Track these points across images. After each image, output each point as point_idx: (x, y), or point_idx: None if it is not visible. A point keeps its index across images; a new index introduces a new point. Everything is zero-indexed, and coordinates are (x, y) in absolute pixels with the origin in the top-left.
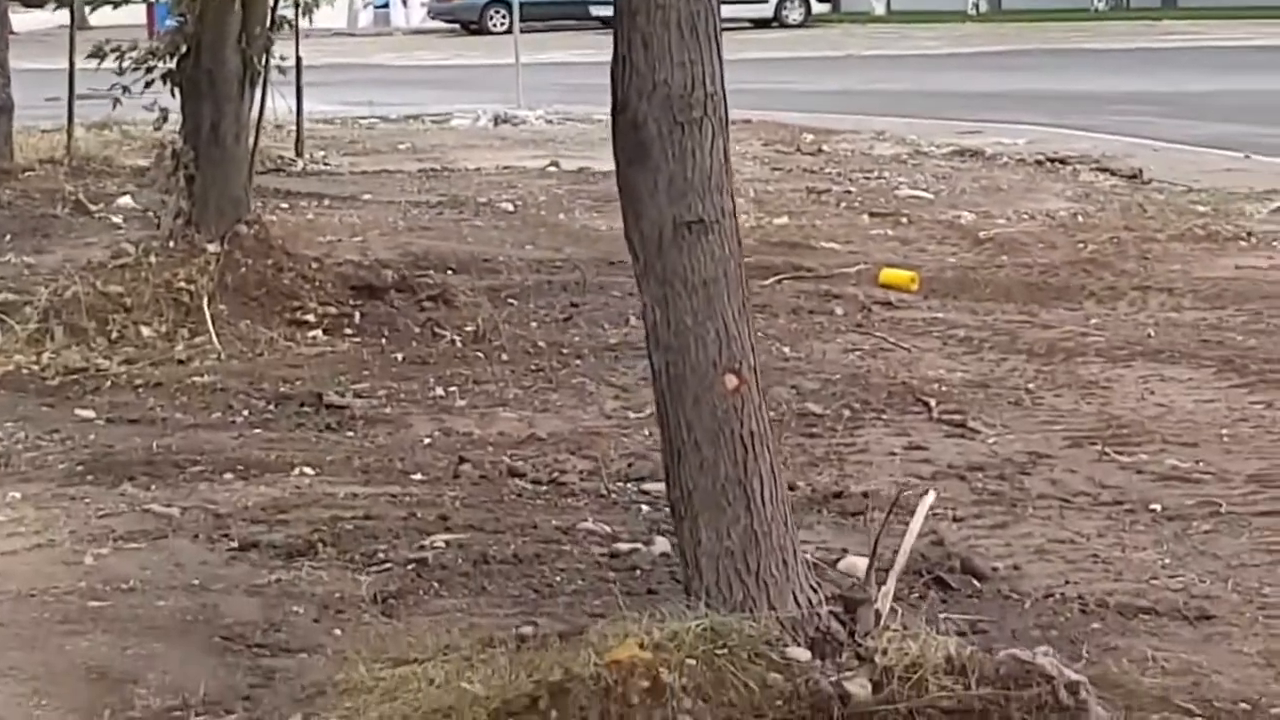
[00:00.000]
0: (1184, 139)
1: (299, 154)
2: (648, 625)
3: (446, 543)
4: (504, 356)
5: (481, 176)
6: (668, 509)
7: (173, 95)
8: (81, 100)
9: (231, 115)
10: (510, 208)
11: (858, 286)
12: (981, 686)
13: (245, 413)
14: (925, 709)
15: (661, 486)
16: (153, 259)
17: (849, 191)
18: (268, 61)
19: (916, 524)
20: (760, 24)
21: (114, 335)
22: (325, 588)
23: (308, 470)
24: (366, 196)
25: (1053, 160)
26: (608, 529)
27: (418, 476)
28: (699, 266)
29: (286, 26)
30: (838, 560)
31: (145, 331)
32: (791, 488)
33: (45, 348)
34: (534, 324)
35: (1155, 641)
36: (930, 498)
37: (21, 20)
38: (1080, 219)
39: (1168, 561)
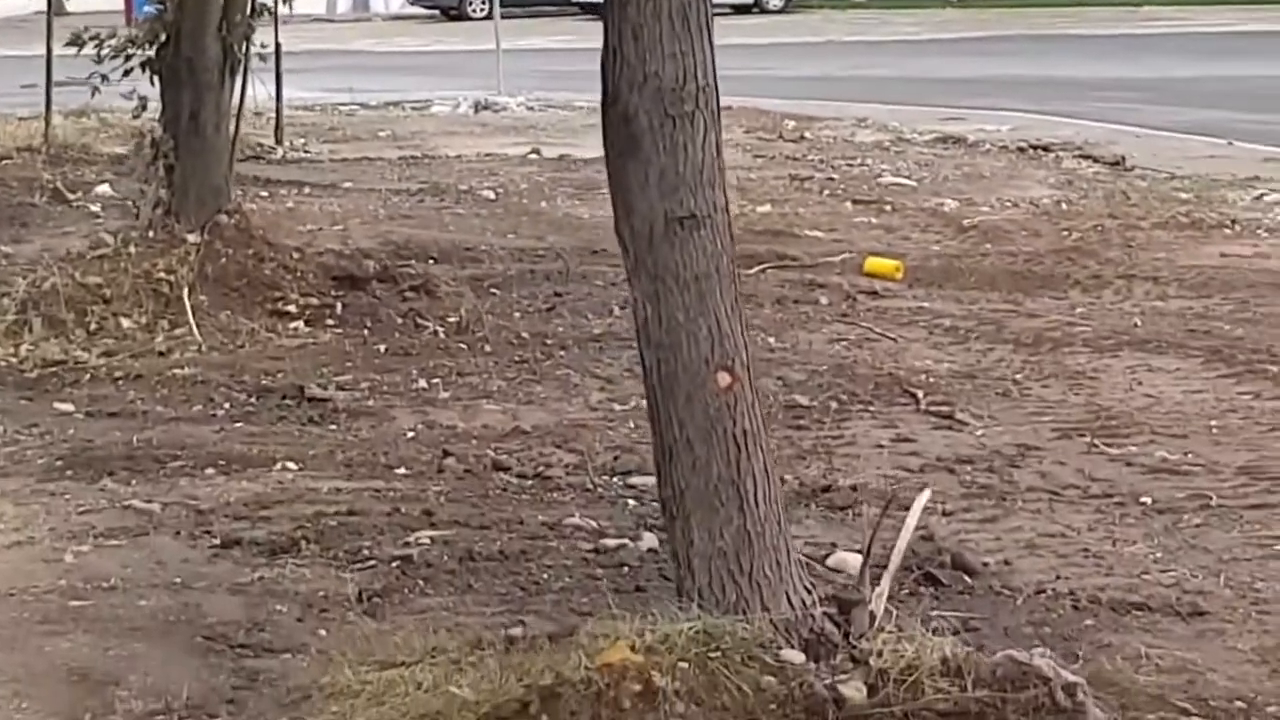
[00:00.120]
0: (1167, 125)
1: (278, 141)
2: (639, 627)
3: (431, 539)
4: (487, 347)
5: (462, 164)
6: (654, 503)
7: (152, 83)
8: (59, 87)
9: (212, 104)
10: (492, 195)
11: (842, 275)
12: (978, 689)
13: (226, 405)
14: (921, 712)
15: (648, 480)
16: (132, 249)
17: (832, 179)
18: (248, 49)
19: (911, 523)
20: (741, 9)
21: (93, 327)
22: (309, 586)
23: (290, 465)
24: (347, 184)
25: (1035, 147)
26: (594, 524)
27: (401, 471)
28: (691, 262)
29: (266, 13)
30: (827, 556)
31: (125, 323)
32: (780, 481)
33: (23, 340)
34: (517, 314)
35: (1149, 638)
36: (925, 496)
37: None
38: (1064, 206)
39: (1159, 556)
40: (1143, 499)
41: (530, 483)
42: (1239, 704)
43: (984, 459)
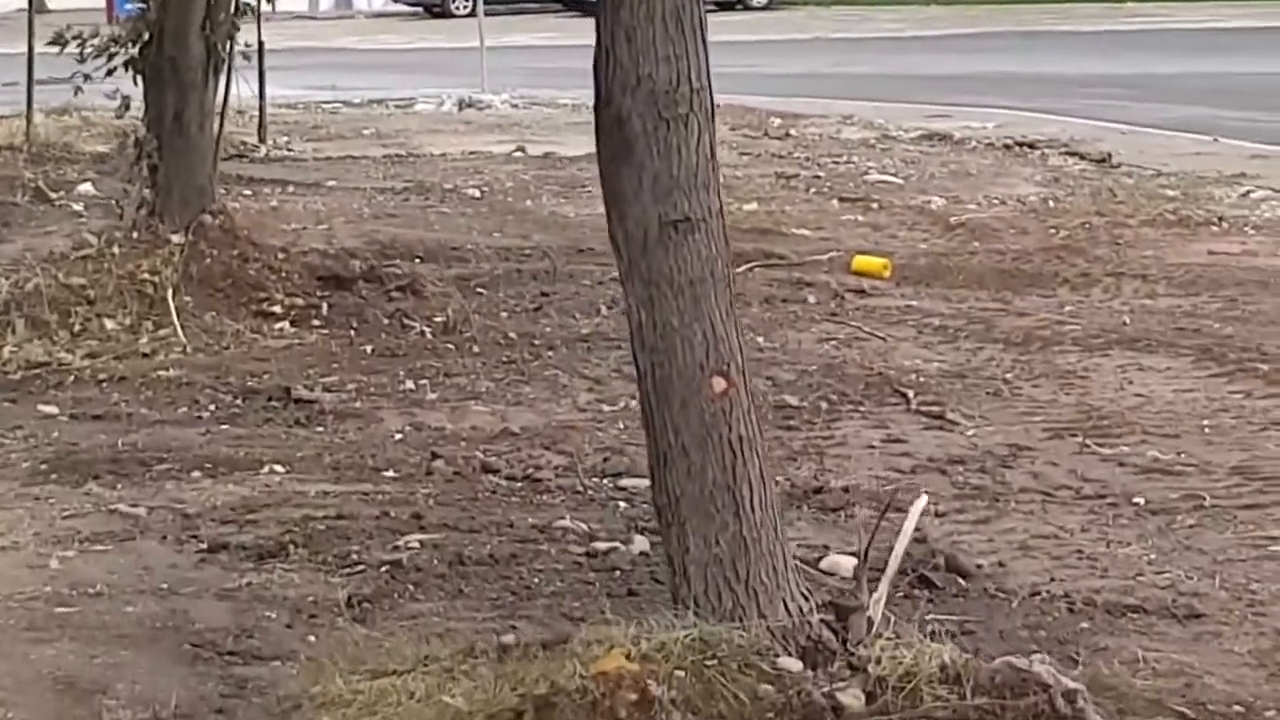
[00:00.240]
0: (1152, 122)
1: (262, 140)
2: (634, 635)
3: (421, 543)
4: (475, 348)
5: (447, 162)
6: (645, 506)
7: (135, 83)
8: (40, 86)
9: (195, 103)
10: (477, 194)
11: (830, 274)
12: (977, 696)
13: (212, 408)
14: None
15: (638, 482)
16: (116, 250)
17: (818, 176)
18: (232, 48)
19: (908, 529)
20: (724, 6)
21: (77, 328)
22: (297, 591)
23: (277, 468)
24: (331, 183)
25: (1021, 144)
26: (585, 527)
27: (390, 473)
28: (685, 266)
29: (249, 12)
30: (820, 559)
31: (109, 324)
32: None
33: (6, 341)
34: (504, 314)
35: (1145, 641)
36: (922, 502)
37: None
38: (1051, 204)
39: (1153, 557)
40: (1136, 500)
41: (520, 485)
42: (1237, 708)
43: (976, 459)
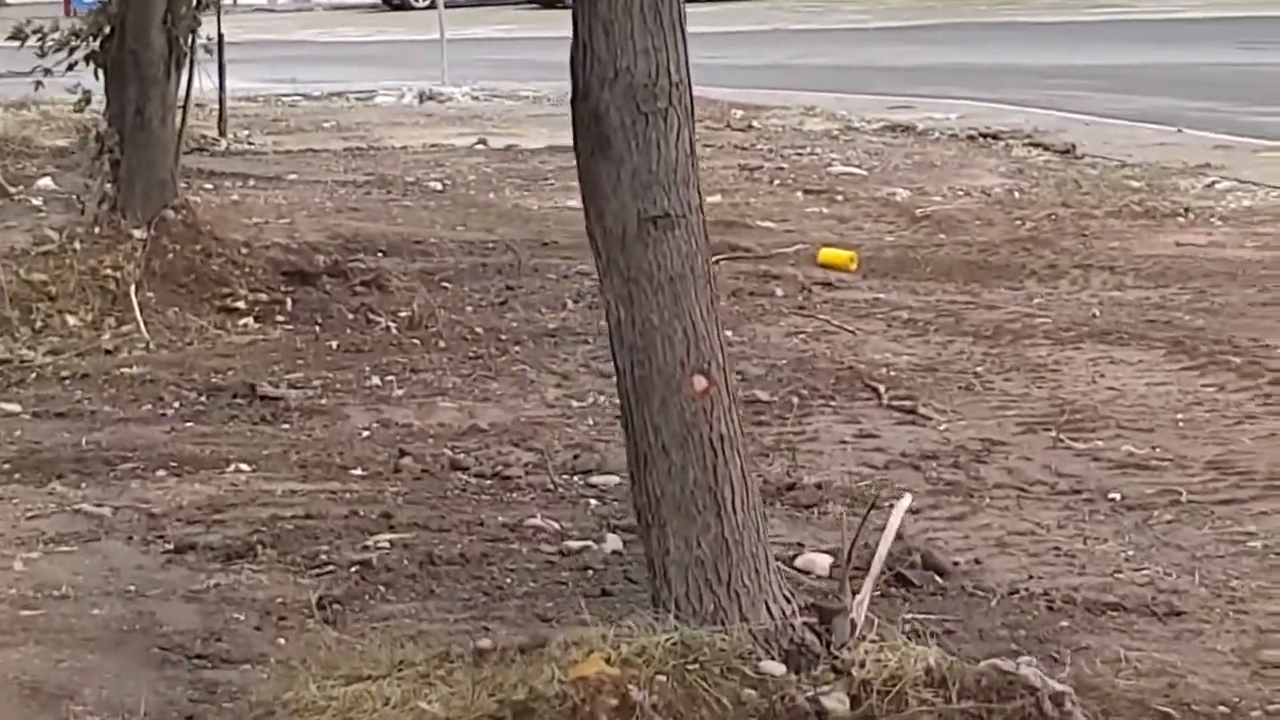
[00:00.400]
0: (1115, 113)
1: (222, 133)
2: (614, 639)
3: (391, 542)
4: (441, 343)
5: (408, 155)
6: (616, 503)
7: (96, 77)
8: None
9: (157, 97)
10: (439, 187)
11: (796, 267)
12: (963, 699)
13: (176, 405)
14: None
15: (609, 480)
16: (77, 245)
17: (781, 168)
18: (194, 42)
19: (891, 529)
20: None
21: (38, 325)
22: (266, 592)
23: (243, 466)
24: (292, 176)
25: (985, 135)
26: (556, 525)
27: (357, 471)
28: (665, 263)
29: (210, 5)
30: (795, 556)
31: (71, 320)
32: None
33: None
34: (469, 309)
35: (1126, 640)
36: (905, 501)
37: None
38: (1016, 195)
39: (1131, 554)
40: (1111, 495)
41: (489, 483)
42: (1222, 709)
43: (949, 454)
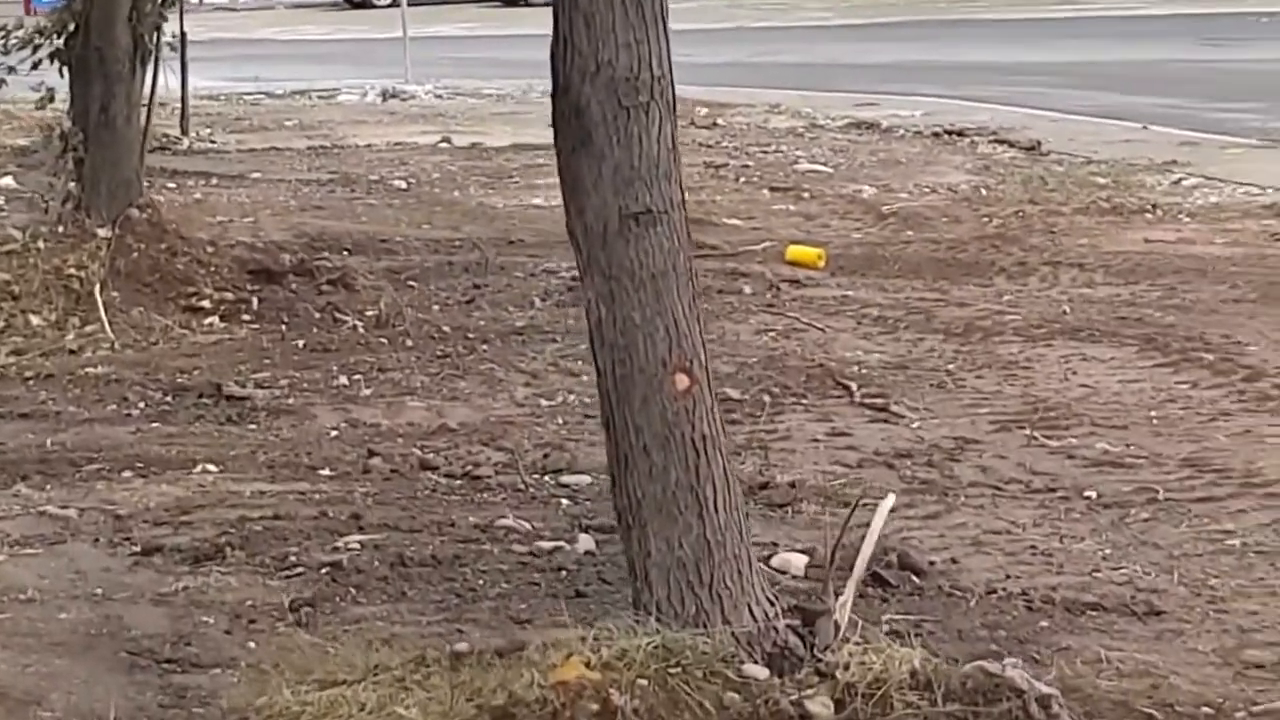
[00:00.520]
0: (1080, 110)
1: (184, 132)
2: (594, 642)
3: (361, 544)
4: (408, 342)
5: (372, 153)
6: (588, 503)
7: (61, 75)
8: None
9: (122, 95)
10: (404, 185)
11: (765, 264)
12: (948, 702)
13: (142, 405)
14: None
15: (580, 479)
16: (41, 244)
17: (747, 166)
18: (159, 39)
19: (875, 530)
20: None
21: (1, 325)
22: (235, 595)
23: (210, 467)
24: (255, 175)
25: (950, 132)
26: (528, 526)
27: (326, 472)
28: (647, 260)
29: (174, 2)
30: (770, 556)
31: (34, 320)
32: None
33: None
34: (436, 307)
35: (1106, 640)
36: (889, 502)
37: None
38: (983, 192)
39: (1108, 552)
40: (1087, 493)
41: (459, 483)
42: (1206, 710)
43: (922, 453)
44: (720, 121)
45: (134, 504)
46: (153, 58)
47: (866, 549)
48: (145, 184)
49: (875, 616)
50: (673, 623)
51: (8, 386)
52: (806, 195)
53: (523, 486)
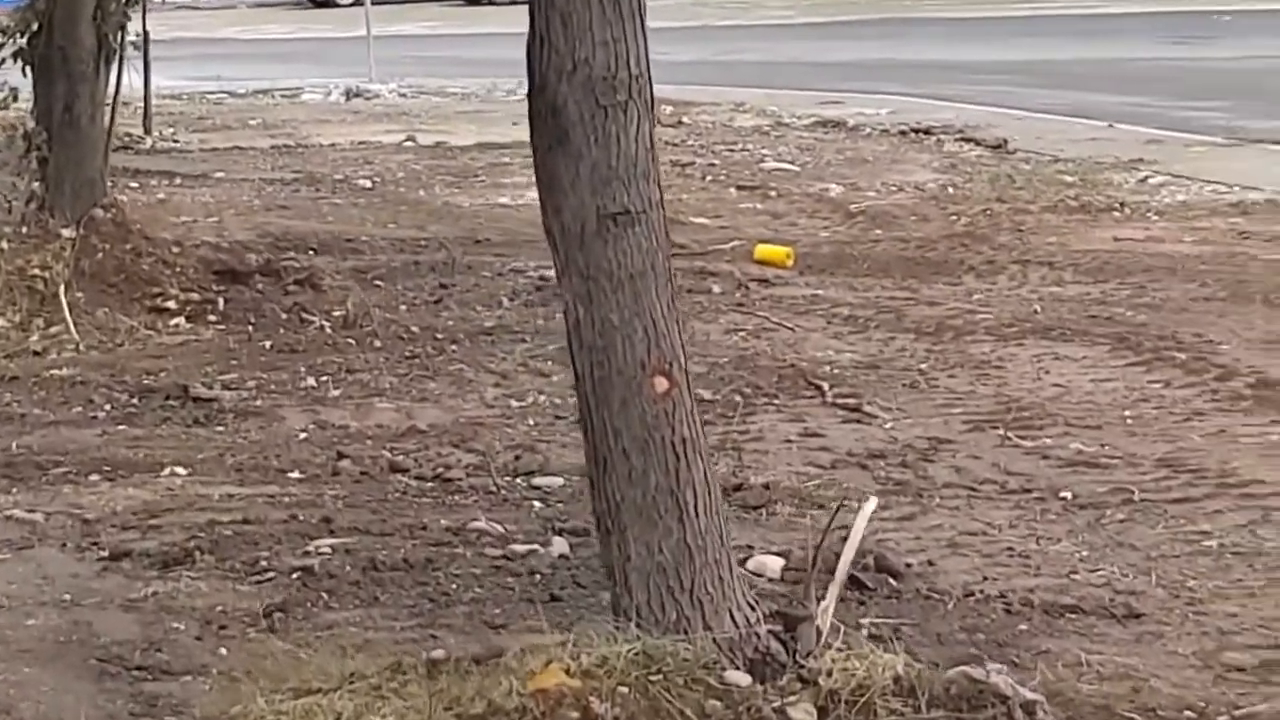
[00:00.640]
0: (1045, 108)
1: (147, 131)
2: (574, 649)
3: (332, 548)
4: (376, 343)
5: (336, 152)
6: (561, 505)
7: (24, 74)
8: None
9: (86, 94)
10: (368, 184)
11: (733, 263)
12: (933, 709)
13: (108, 407)
14: None
15: (552, 481)
16: (4, 245)
17: (713, 165)
18: (123, 38)
19: (856, 534)
20: None
21: None
22: (206, 600)
23: (179, 470)
24: (219, 174)
25: (916, 131)
26: (501, 529)
27: (295, 474)
28: (625, 260)
29: (138, 1)
30: (745, 559)
31: None
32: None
33: None
34: (404, 307)
35: (1086, 643)
36: (871, 505)
37: None
38: (950, 190)
39: (1085, 554)
40: (1062, 494)
41: (430, 485)
42: (1188, 713)
43: (896, 453)
44: (686, 120)
45: (101, 508)
46: (117, 57)
47: (848, 553)
48: (109, 184)
49: (854, 620)
50: (653, 629)
51: None
52: (774, 194)
53: (494, 489)
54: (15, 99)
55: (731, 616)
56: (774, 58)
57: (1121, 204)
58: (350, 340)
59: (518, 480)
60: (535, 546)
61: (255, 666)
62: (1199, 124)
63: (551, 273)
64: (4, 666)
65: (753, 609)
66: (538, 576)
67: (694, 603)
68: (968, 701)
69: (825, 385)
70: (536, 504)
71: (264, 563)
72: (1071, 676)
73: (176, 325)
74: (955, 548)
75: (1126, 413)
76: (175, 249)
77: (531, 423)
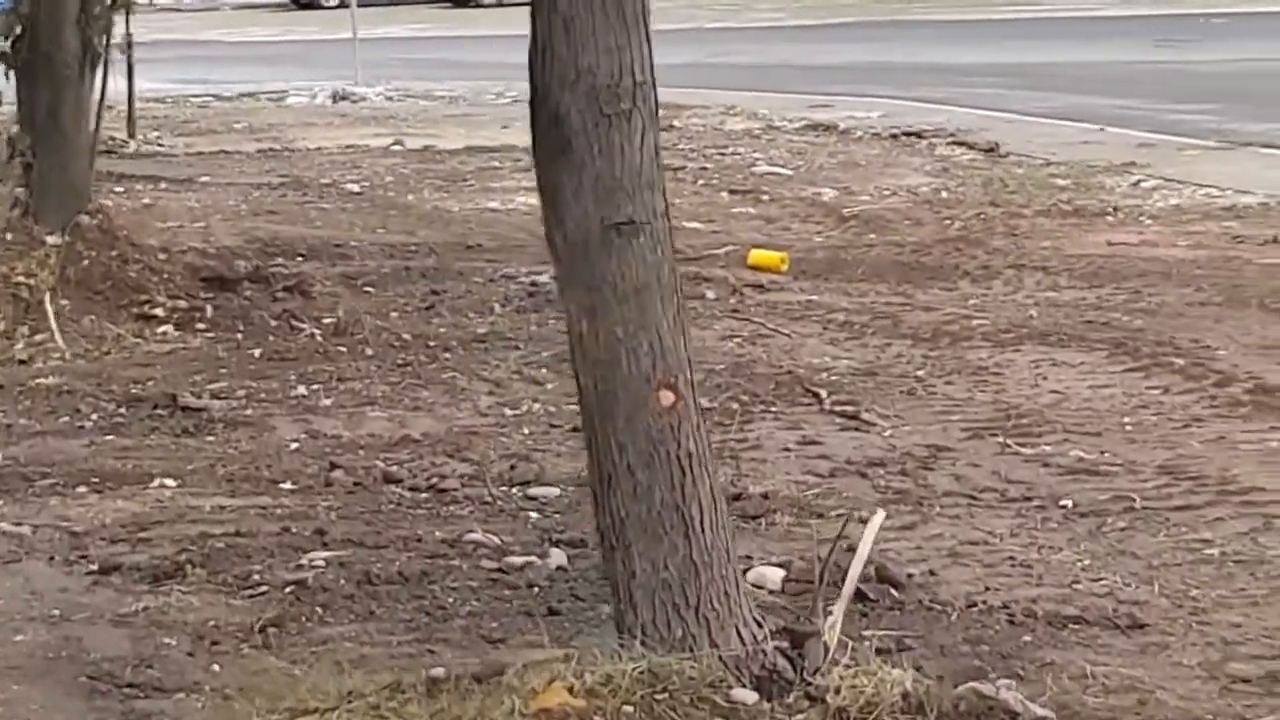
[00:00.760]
0: (1036, 111)
1: (131, 135)
2: (577, 667)
3: (325, 561)
4: (367, 350)
5: (323, 156)
6: (557, 516)
7: (7, 79)
8: None
9: (71, 99)
10: (356, 189)
11: (727, 268)
12: None
13: (95, 417)
14: None
15: (548, 491)
16: None
17: (705, 168)
18: (108, 42)
19: (864, 549)
20: None
21: None
22: (198, 615)
23: (168, 481)
24: (204, 179)
25: (908, 134)
26: (497, 540)
27: (287, 485)
28: (629, 272)
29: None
30: (745, 570)
31: None
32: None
33: None
34: (395, 314)
35: (1091, 654)
36: (879, 518)
37: None
38: (943, 194)
39: (1087, 563)
40: (1063, 502)
41: (424, 496)
42: None
43: (895, 461)
44: (677, 123)
45: (90, 520)
46: (102, 61)
47: (855, 568)
48: (94, 189)
49: (857, 633)
50: (658, 646)
51: None
52: (766, 198)
53: (490, 499)
54: None
55: (738, 633)
56: (764, 60)
57: (1115, 208)
58: (341, 348)
59: (513, 490)
60: (532, 558)
61: (249, 684)
62: (1190, 127)
63: (543, 278)
64: None
65: (759, 625)
66: (535, 589)
67: (700, 620)
68: (977, 718)
69: (823, 392)
70: (533, 514)
71: (256, 576)
72: (1077, 689)
73: (164, 333)
74: (957, 557)
75: (1125, 419)
76: (162, 255)
77: (526, 431)
